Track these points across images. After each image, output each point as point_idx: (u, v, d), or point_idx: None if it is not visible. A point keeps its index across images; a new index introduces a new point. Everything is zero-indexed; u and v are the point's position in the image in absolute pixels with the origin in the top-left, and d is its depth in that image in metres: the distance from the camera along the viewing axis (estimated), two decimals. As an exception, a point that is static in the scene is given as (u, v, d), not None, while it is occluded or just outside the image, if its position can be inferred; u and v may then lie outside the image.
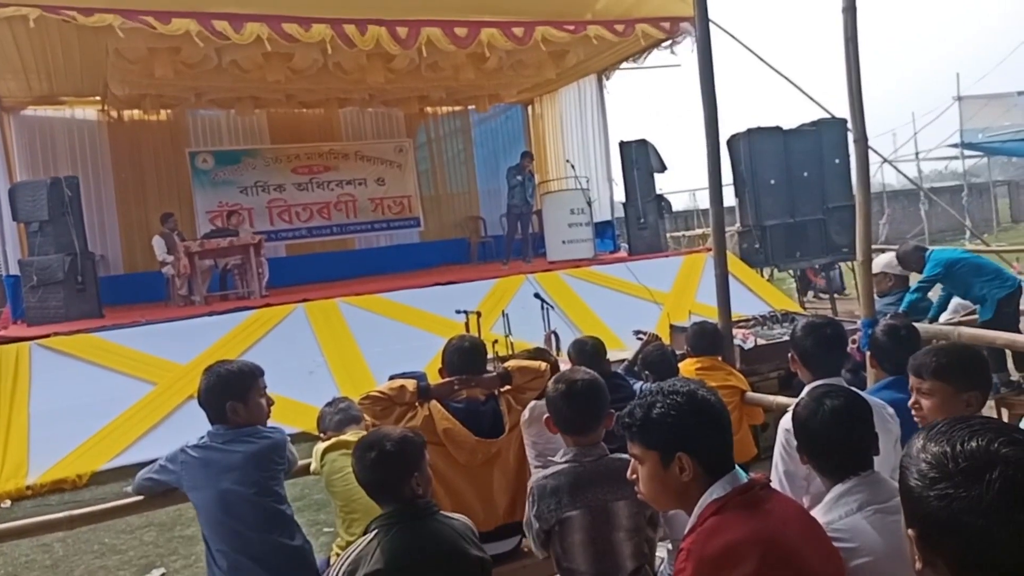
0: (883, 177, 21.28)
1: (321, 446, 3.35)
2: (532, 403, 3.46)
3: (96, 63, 9.46)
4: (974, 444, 1.04)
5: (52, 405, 6.92)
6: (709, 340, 4.68)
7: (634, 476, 1.88)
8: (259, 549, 2.77)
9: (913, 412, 2.44)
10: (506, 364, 3.35)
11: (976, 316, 5.90)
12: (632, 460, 1.88)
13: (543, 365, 3.33)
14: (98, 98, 11.58)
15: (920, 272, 6.08)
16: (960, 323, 5.62)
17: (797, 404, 2.08)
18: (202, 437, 2.86)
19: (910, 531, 1.09)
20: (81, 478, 6.40)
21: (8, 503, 6.11)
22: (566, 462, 2.43)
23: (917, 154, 21.32)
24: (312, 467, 3.26)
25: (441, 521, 2.12)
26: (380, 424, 2.93)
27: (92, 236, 10.43)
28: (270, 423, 3.00)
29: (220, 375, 2.86)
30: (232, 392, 2.84)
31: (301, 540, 2.92)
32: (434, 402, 3.11)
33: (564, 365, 4.31)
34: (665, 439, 1.78)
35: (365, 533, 2.13)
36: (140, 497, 3.05)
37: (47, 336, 7.57)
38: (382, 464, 2.14)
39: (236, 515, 2.77)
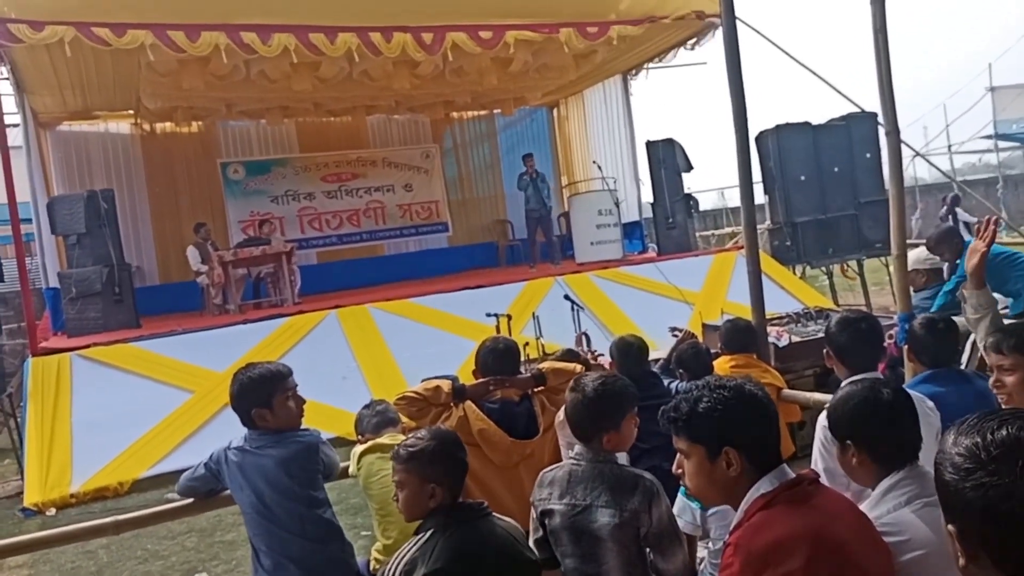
0: (915, 171, 20.92)
1: (358, 449, 3.38)
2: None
3: (128, 77, 9.65)
4: (1004, 432, 1.06)
5: (93, 414, 7.06)
6: (743, 337, 4.65)
7: (680, 470, 1.87)
8: (298, 551, 2.79)
9: (995, 390, 2.42)
10: (540, 366, 3.36)
11: (1007, 309, 5.77)
12: (678, 455, 1.87)
13: (578, 367, 3.35)
14: (131, 112, 11.81)
15: (953, 260, 5.92)
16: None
17: (839, 395, 2.04)
18: (240, 439, 2.89)
19: (950, 527, 1.10)
20: (123, 486, 6.52)
21: (53, 511, 6.23)
22: (570, 459, 2.47)
23: (950, 147, 20.97)
24: (349, 470, 3.29)
25: (495, 522, 2.11)
26: (417, 424, 2.95)
27: (128, 247, 10.62)
28: (305, 426, 2.98)
29: (242, 383, 2.83)
30: (256, 399, 2.81)
31: (340, 543, 2.92)
32: (469, 403, 3.13)
33: (602, 362, 4.33)
34: (712, 433, 1.77)
35: (418, 532, 2.11)
36: (184, 502, 3.10)
37: (87, 347, 7.72)
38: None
39: (273, 517, 2.80)
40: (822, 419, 2.49)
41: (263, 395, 2.81)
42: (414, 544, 2.04)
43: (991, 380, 2.42)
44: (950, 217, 12.52)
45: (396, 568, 2.01)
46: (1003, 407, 2.37)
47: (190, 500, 3.10)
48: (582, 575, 2.34)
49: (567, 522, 2.34)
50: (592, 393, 2.44)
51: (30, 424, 6.94)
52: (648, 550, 2.36)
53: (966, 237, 5.88)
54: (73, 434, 6.92)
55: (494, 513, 2.15)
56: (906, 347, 3.59)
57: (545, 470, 2.51)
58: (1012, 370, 2.32)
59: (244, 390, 2.82)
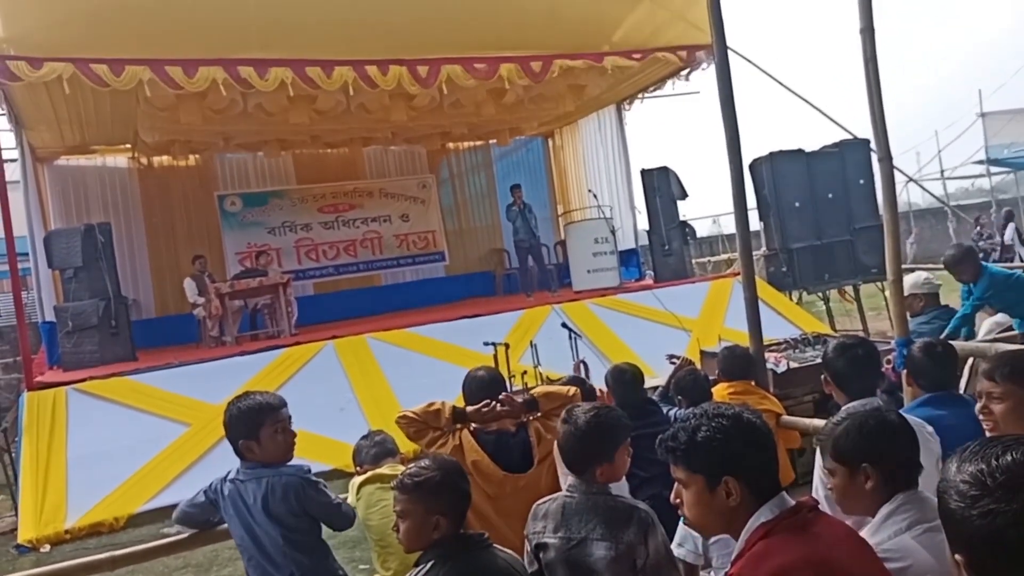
0: (908, 196, 21.08)
1: (357, 480, 3.34)
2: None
3: (126, 112, 9.72)
4: (1009, 458, 1.05)
5: (89, 449, 7.01)
6: (740, 364, 4.65)
7: (678, 500, 1.86)
8: None
9: (982, 418, 2.41)
10: (532, 391, 3.34)
11: (1014, 331, 5.78)
12: (676, 484, 1.85)
13: (572, 390, 3.32)
14: (128, 145, 11.87)
15: (971, 281, 5.94)
16: (996, 340, 5.52)
17: (848, 421, 2.02)
18: (234, 471, 2.86)
19: (957, 556, 1.08)
20: (118, 521, 6.46)
21: (48, 547, 6.16)
22: (564, 491, 2.45)
23: (942, 172, 21.17)
24: (348, 501, 3.26)
25: (496, 553, 2.10)
26: (416, 450, 2.93)
27: (125, 281, 10.61)
28: (303, 461, 2.92)
29: (232, 414, 2.79)
30: (243, 431, 2.76)
31: None
32: (465, 433, 3.11)
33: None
34: (711, 463, 1.75)
35: (418, 563, 2.09)
36: (180, 536, 3.07)
37: (83, 380, 7.69)
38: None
39: (265, 555, 2.76)
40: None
41: (251, 427, 2.75)
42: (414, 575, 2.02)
43: (978, 407, 2.41)
44: (1006, 230, 12.63)
45: None
46: (987, 435, 2.37)
47: (187, 534, 3.06)
48: None
49: (562, 556, 2.32)
50: (584, 425, 2.43)
51: (25, 459, 6.89)
52: None
53: (1021, 251, 5.92)
54: (68, 469, 6.86)
55: (495, 545, 2.13)
56: (904, 372, 3.59)
57: (539, 502, 2.49)
58: (1002, 399, 2.31)
59: (233, 421, 2.78)
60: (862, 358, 2.84)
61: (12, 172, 10.19)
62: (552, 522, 2.37)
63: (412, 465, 2.25)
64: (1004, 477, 1.04)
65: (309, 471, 2.89)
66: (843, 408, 2.61)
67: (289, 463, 2.85)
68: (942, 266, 6.20)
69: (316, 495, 2.80)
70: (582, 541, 2.30)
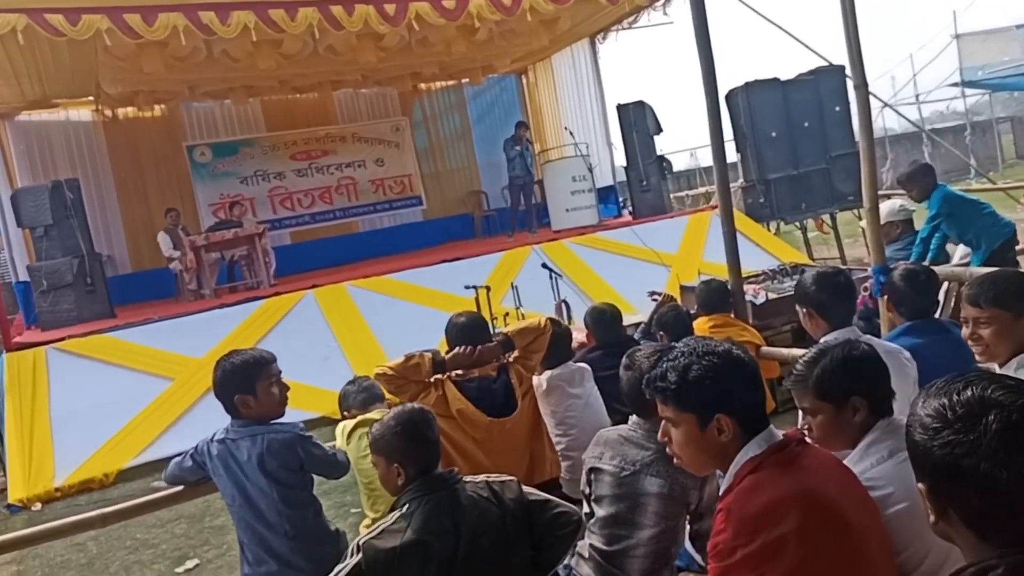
0: (884, 121, 21.03)
1: (348, 425, 3.38)
2: (547, 374, 3.49)
3: (86, 64, 9.41)
4: (969, 393, 1.11)
5: (73, 407, 6.98)
6: (717, 297, 4.69)
7: (665, 439, 1.86)
8: (279, 547, 2.75)
9: (971, 343, 2.42)
10: (504, 330, 3.36)
11: (968, 260, 5.76)
12: (663, 423, 1.85)
13: (542, 319, 3.35)
14: (91, 98, 11.54)
15: (920, 199, 5.91)
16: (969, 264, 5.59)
17: (831, 355, 1.99)
18: (221, 430, 2.85)
19: (920, 485, 1.15)
20: (108, 477, 6.48)
21: (39, 506, 6.19)
22: (628, 425, 2.50)
23: (917, 96, 21.11)
24: (337, 445, 3.29)
25: (463, 489, 2.16)
26: (399, 399, 2.95)
27: (97, 237, 10.45)
28: (289, 410, 2.92)
29: (225, 369, 2.77)
30: (238, 385, 2.75)
31: (330, 546, 2.82)
32: (448, 382, 3.13)
33: (578, 333, 4.35)
34: (703, 401, 1.75)
35: (393, 509, 2.16)
36: (170, 491, 3.08)
37: (62, 339, 7.62)
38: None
39: (254, 511, 2.76)
40: None
41: (246, 381, 2.75)
42: (390, 520, 2.09)
43: (967, 332, 2.43)
44: None
45: (370, 538, 2.05)
46: (978, 359, 2.41)
47: (178, 488, 3.07)
48: (613, 537, 2.36)
49: (615, 482, 2.37)
50: (649, 367, 2.44)
51: (9, 420, 6.87)
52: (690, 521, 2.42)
53: None
54: (53, 428, 6.85)
55: (464, 478, 2.19)
56: (884, 298, 3.64)
57: (602, 430, 2.55)
58: (988, 323, 2.33)
59: (227, 376, 2.77)
60: (844, 286, 2.86)
61: (-28, 130, 9.93)
62: (609, 450, 2.43)
63: (377, 423, 2.31)
64: (963, 411, 1.09)
65: (303, 427, 2.90)
66: (822, 340, 2.62)
67: (281, 418, 2.86)
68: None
69: (313, 450, 2.82)
70: (636, 473, 2.35)
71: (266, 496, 2.74)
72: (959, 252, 6.07)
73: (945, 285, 4.65)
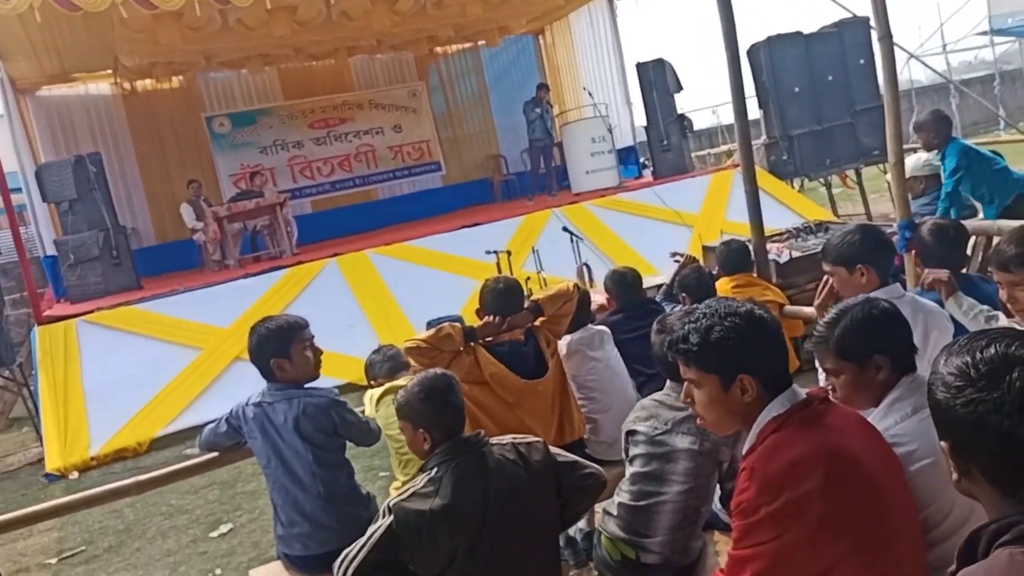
0: (910, 73, 20.52)
1: (376, 392, 3.44)
2: (567, 338, 3.50)
3: (103, 36, 9.44)
4: (992, 351, 1.10)
5: (104, 378, 7.13)
6: (738, 257, 4.66)
7: (688, 400, 1.87)
8: (311, 509, 2.81)
9: (1011, 307, 2.38)
10: (534, 298, 3.38)
11: (982, 216, 5.63)
12: (687, 384, 1.85)
13: (569, 285, 3.37)
14: (109, 71, 11.58)
15: (936, 147, 5.75)
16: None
17: (853, 315, 1.96)
18: (257, 394, 2.91)
19: (943, 443, 1.15)
20: (141, 445, 6.63)
21: (76, 474, 6.35)
22: (663, 391, 2.52)
23: (944, 46, 20.55)
24: (367, 412, 3.34)
25: (489, 452, 2.18)
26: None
27: (121, 210, 10.55)
28: (325, 377, 2.99)
29: (261, 334, 2.84)
30: (274, 349, 2.82)
31: (361, 508, 2.88)
32: (479, 348, 3.16)
33: (598, 296, 4.35)
34: (727, 362, 1.75)
35: (421, 472, 2.19)
36: (203, 458, 3.15)
37: (91, 312, 7.75)
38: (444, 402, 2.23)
39: (288, 473, 2.82)
40: None
41: (282, 345, 2.82)
42: (420, 483, 2.12)
43: (1004, 296, 2.38)
44: None
45: (400, 500, 2.08)
46: (1019, 322, 2.37)
47: (211, 455, 3.14)
48: (642, 494, 2.39)
49: (648, 440, 2.39)
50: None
51: (43, 392, 7.02)
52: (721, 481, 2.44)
53: None
54: (87, 399, 7.00)
55: (490, 440, 2.21)
56: (912, 253, 3.59)
57: (642, 399, 2.57)
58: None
59: (263, 341, 2.84)
60: (887, 243, 2.86)
61: (-6, 106, 10.01)
62: (645, 412, 2.45)
63: (403, 390, 2.33)
64: (986, 368, 1.09)
65: (337, 393, 2.96)
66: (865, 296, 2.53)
67: (315, 382, 2.93)
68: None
69: (347, 415, 2.89)
70: (667, 431, 2.37)
71: (300, 458, 2.80)
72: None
73: (973, 239, 4.58)
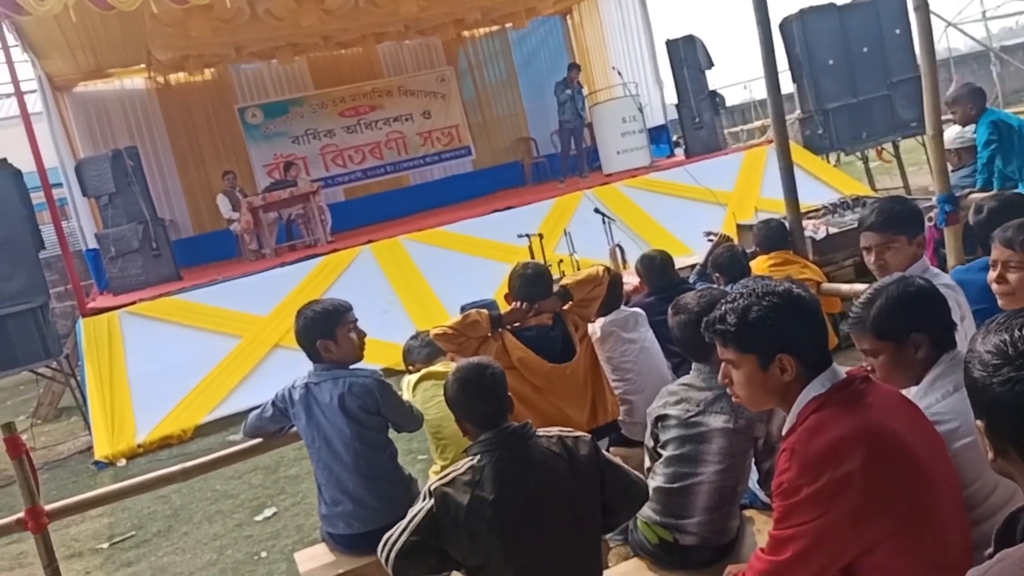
0: (948, 42, 20.03)
1: (412, 378, 3.48)
2: (600, 321, 3.50)
3: (136, 31, 9.56)
4: None
5: (148, 368, 7.29)
6: (776, 235, 4.61)
7: (726, 381, 1.86)
8: (354, 487, 2.87)
9: (995, 287, 2.35)
10: (563, 283, 3.37)
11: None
12: (724, 365, 1.85)
13: (599, 270, 3.36)
14: (143, 65, 11.74)
15: (966, 124, 5.65)
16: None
17: (887, 295, 1.94)
18: (304, 376, 2.98)
19: (978, 422, 1.13)
20: (186, 432, 6.78)
21: (123, 462, 6.52)
22: (690, 375, 2.51)
23: (984, 12, 19.98)
24: (405, 397, 3.38)
25: (536, 443, 2.13)
26: (463, 356, 3.00)
27: (159, 202, 10.72)
28: (363, 362, 3.05)
29: (307, 317, 2.94)
30: (320, 331, 2.91)
31: (402, 488, 2.92)
32: (507, 332, 3.17)
33: (631, 278, 4.34)
34: (765, 342, 1.74)
35: (467, 452, 2.16)
36: (247, 444, 3.22)
37: (133, 303, 7.91)
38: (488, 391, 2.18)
39: (332, 452, 2.89)
40: None
41: (328, 327, 2.92)
42: (461, 468, 2.08)
43: (992, 275, 2.34)
44: None
45: (440, 484, 2.05)
46: (1000, 301, 2.33)
47: (254, 441, 3.20)
48: (677, 476, 2.39)
49: (681, 423, 2.39)
50: (698, 309, 2.43)
51: (90, 382, 7.20)
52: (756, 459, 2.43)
53: None
54: (132, 388, 7.17)
55: (537, 432, 2.17)
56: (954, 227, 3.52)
57: (667, 385, 2.56)
58: (1019, 267, 2.25)
59: (309, 323, 2.93)
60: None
61: (34, 103, 10.20)
62: (675, 397, 2.45)
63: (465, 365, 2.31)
64: None
65: (382, 375, 3.03)
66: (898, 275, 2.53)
67: (360, 365, 3.00)
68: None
69: (391, 396, 2.96)
70: (701, 412, 2.37)
71: (344, 436, 2.87)
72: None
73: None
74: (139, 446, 6.67)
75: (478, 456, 2.09)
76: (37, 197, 8.21)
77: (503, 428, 2.13)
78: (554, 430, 2.21)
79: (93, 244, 9.73)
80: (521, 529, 2.03)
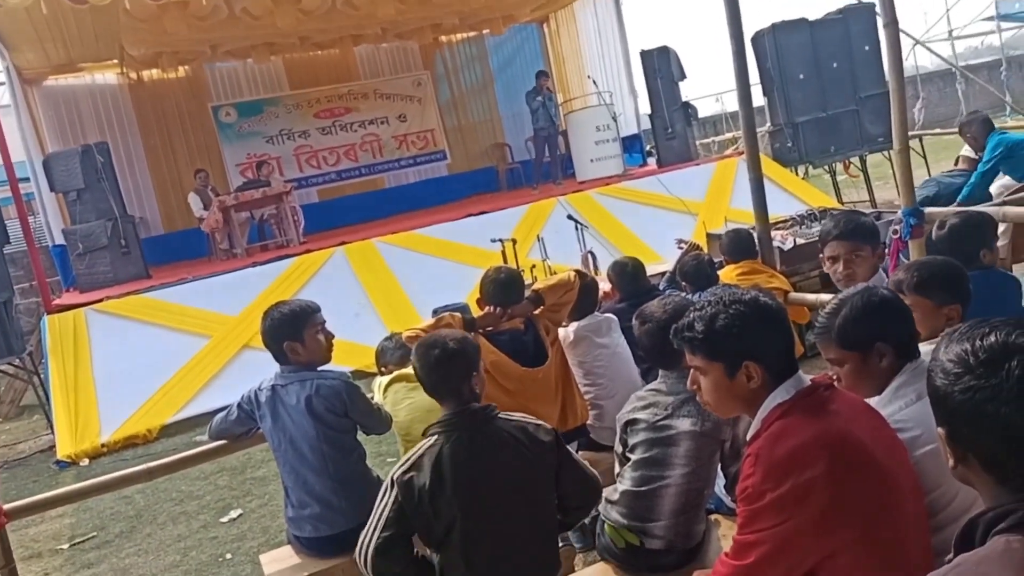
0: (915, 59, 20.38)
1: (384, 380, 3.46)
2: (574, 325, 3.53)
3: (109, 26, 9.45)
4: (993, 338, 1.10)
5: (114, 366, 7.19)
6: (743, 245, 4.69)
7: (694, 387, 1.89)
8: (321, 490, 2.85)
9: (838, 276, 2.62)
10: (535, 287, 3.40)
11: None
12: (692, 372, 1.87)
13: (571, 275, 3.39)
14: (115, 61, 11.58)
15: (976, 147, 6.01)
16: (1005, 203, 5.49)
17: (851, 305, 1.98)
18: (270, 378, 2.95)
19: (940, 430, 1.15)
20: (151, 432, 6.69)
21: (87, 461, 6.42)
22: (657, 381, 2.53)
23: (951, 32, 20.42)
24: (375, 399, 3.38)
25: (499, 425, 2.18)
26: None
27: (129, 199, 10.60)
28: (332, 364, 3.03)
29: (274, 318, 2.91)
30: (287, 333, 2.88)
31: (364, 487, 2.87)
32: (480, 336, 3.18)
33: (601, 284, 4.37)
34: (731, 350, 1.76)
35: (424, 436, 2.20)
36: (212, 445, 3.18)
37: (100, 301, 7.80)
38: (444, 362, 2.21)
39: (299, 455, 2.87)
40: None
41: (295, 329, 2.88)
42: (418, 452, 2.12)
43: (837, 268, 2.55)
44: None
45: (400, 472, 2.10)
46: (839, 284, 2.63)
47: (220, 442, 3.17)
48: (645, 479, 2.40)
49: (649, 427, 2.41)
50: (664, 318, 2.46)
51: (54, 380, 7.08)
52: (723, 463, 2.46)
53: None
54: (97, 386, 7.06)
55: (500, 414, 2.21)
56: (917, 241, 3.61)
57: (635, 392, 2.58)
58: (847, 260, 2.57)
59: (276, 324, 2.90)
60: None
61: (1, 96, 10.04)
62: (643, 402, 2.47)
63: (428, 335, 2.39)
64: (985, 356, 1.09)
65: (350, 377, 3.00)
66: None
67: (330, 367, 2.98)
68: (955, 130, 6.26)
69: (359, 399, 2.94)
70: (669, 416, 2.39)
71: (311, 439, 2.84)
72: (995, 188, 6.04)
73: (1002, 226, 4.61)
74: (103, 446, 6.57)
75: (435, 436, 2.13)
76: (3, 191, 8.09)
77: (462, 409, 2.17)
78: (516, 415, 2.25)
79: (60, 240, 9.58)
80: (480, 504, 2.08)
